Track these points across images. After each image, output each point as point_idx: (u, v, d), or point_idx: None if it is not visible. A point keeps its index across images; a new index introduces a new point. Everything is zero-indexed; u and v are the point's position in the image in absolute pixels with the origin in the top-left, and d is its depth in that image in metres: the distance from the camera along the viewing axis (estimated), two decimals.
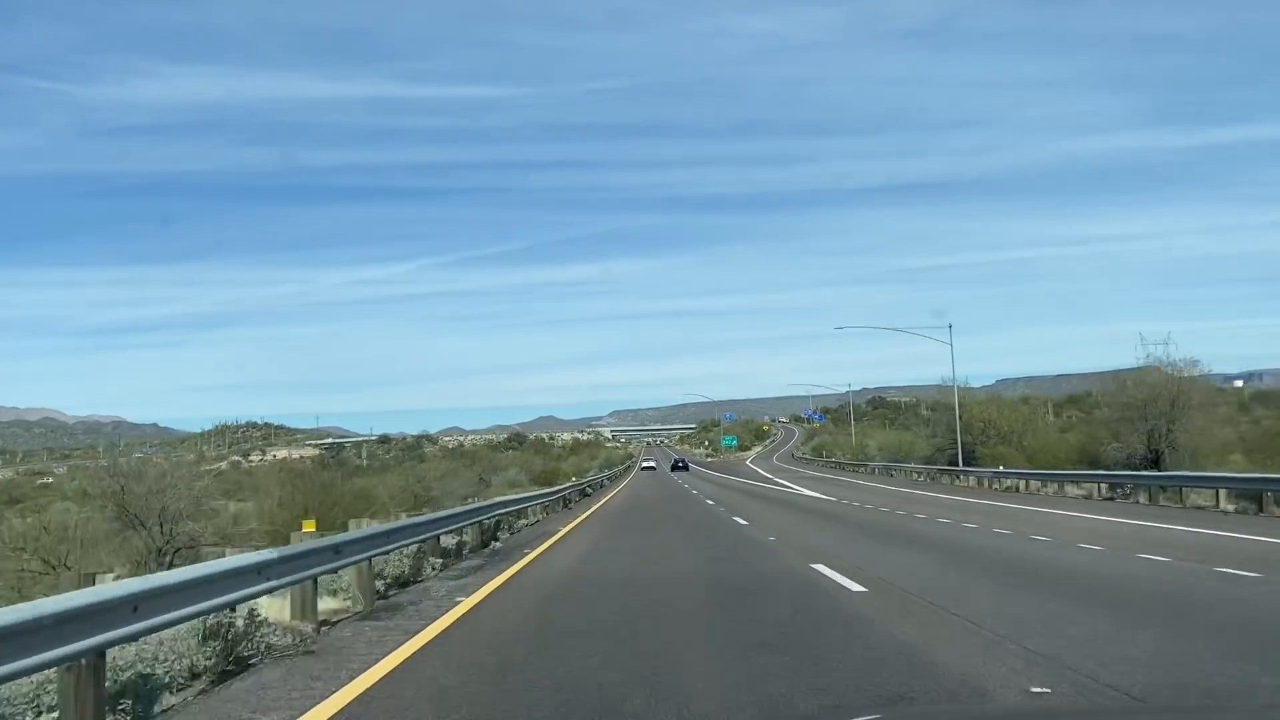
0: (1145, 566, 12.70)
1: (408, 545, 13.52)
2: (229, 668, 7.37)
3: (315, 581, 9.41)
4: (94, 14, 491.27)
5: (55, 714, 5.67)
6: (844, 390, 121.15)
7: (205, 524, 30.23)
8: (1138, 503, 28.20)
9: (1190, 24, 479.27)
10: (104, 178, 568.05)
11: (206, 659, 7.14)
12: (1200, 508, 24.81)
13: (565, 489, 39.01)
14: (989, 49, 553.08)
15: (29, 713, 5.84)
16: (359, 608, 10.62)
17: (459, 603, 10.98)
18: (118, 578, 7.38)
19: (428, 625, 9.41)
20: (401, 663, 7.60)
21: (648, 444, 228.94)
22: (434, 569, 14.50)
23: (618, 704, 5.95)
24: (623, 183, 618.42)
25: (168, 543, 29.06)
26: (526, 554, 17.25)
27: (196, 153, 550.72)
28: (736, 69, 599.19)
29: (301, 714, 6.08)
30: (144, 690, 6.26)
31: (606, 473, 78.46)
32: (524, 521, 26.82)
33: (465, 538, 18.22)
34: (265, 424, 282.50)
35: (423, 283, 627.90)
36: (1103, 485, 32.29)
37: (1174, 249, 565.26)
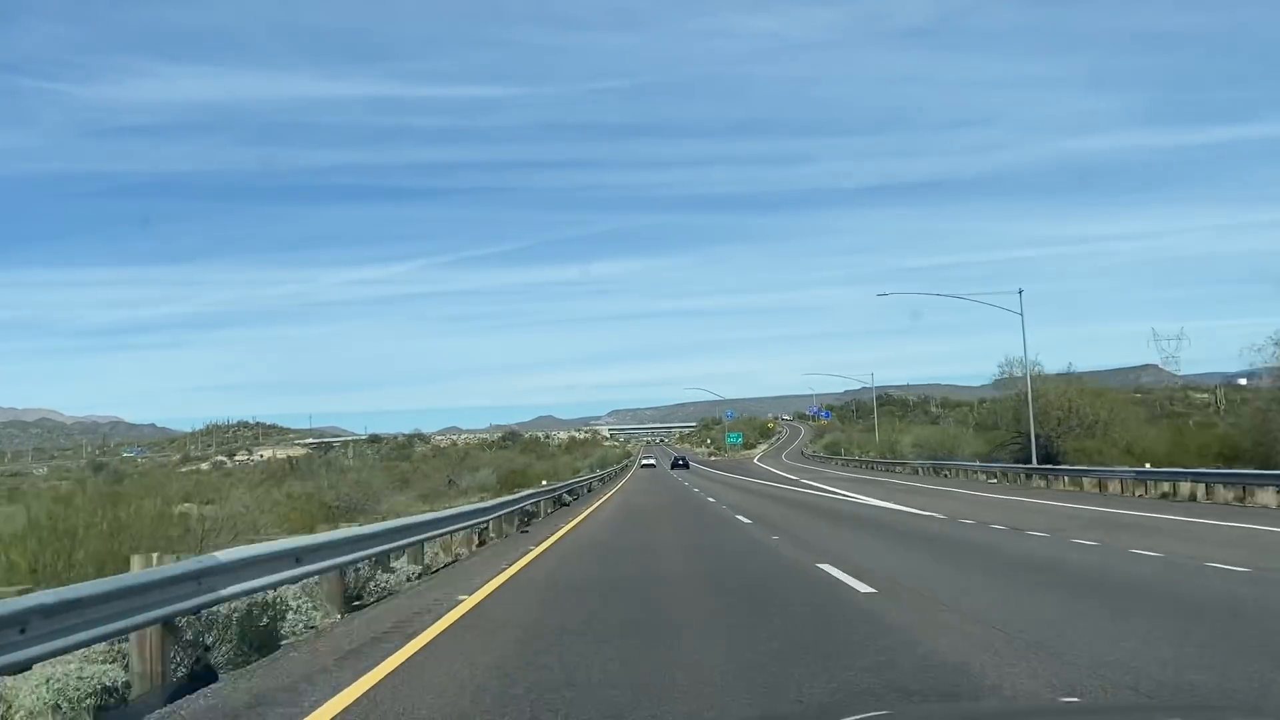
0: None
1: None
2: None
3: None
4: (94, 14, 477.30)
5: None
6: (844, 388, 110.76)
7: None
8: None
9: (1190, 23, 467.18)
10: (104, 178, 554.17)
11: None
12: None
13: (518, 501, 24.64)
14: (989, 48, 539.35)
15: None
16: None
17: None
18: None
19: None
20: None
21: (647, 443, 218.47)
22: None
23: None
24: (622, 182, 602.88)
25: None
26: None
27: (196, 153, 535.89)
28: (736, 69, 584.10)
29: None
30: None
31: (598, 474, 66.87)
32: (409, 571, 15.55)
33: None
34: (257, 423, 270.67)
35: (422, 282, 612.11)
36: None
37: (1174, 249, 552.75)
